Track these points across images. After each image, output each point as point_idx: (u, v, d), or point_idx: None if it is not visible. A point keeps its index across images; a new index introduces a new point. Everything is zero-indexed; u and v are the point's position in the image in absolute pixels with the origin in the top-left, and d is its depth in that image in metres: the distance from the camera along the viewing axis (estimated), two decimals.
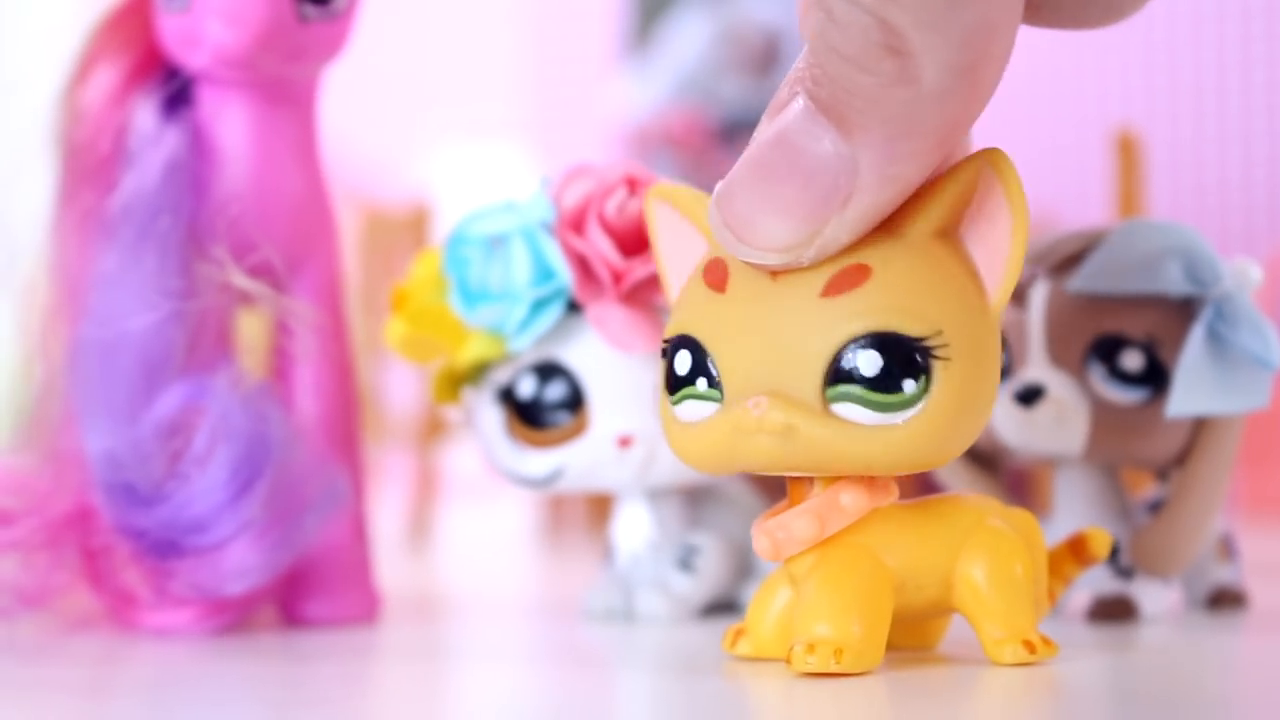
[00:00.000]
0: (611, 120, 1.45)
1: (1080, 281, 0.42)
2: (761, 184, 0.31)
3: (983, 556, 0.34)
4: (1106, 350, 0.42)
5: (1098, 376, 0.43)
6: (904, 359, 0.31)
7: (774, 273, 0.32)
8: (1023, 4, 0.30)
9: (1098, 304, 0.43)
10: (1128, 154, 0.69)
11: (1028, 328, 0.44)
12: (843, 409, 0.31)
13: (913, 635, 0.37)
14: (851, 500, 0.33)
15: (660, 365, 0.34)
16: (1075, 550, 0.38)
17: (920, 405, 0.31)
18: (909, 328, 0.31)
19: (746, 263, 0.32)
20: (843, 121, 0.30)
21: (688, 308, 0.34)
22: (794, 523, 0.33)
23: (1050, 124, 1.25)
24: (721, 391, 0.32)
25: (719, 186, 0.32)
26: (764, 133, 0.31)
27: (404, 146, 1.91)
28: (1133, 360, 0.42)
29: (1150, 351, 0.42)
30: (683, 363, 0.33)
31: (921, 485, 0.48)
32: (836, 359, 0.31)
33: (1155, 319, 0.42)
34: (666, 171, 0.48)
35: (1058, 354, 0.43)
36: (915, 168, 0.30)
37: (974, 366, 0.32)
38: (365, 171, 1.61)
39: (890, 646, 0.37)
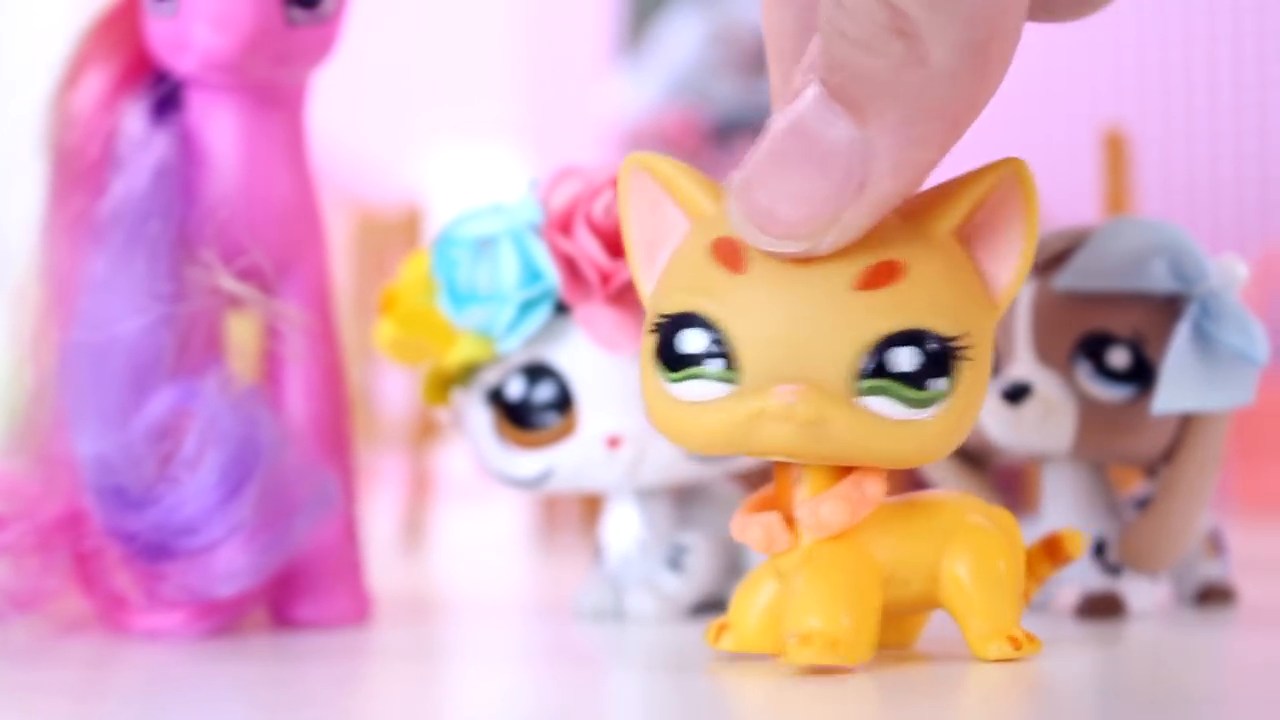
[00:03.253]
0: (605, 121, 1.45)
1: (1066, 279, 0.43)
2: (778, 173, 0.31)
3: (966, 553, 0.34)
4: (1093, 347, 0.43)
5: (1084, 374, 0.43)
6: (936, 357, 0.32)
7: (799, 259, 0.32)
8: None
9: (1084, 301, 0.43)
10: (1116, 152, 0.69)
11: (1014, 325, 0.44)
12: (873, 402, 0.32)
13: (891, 632, 0.37)
14: (875, 489, 0.33)
15: (650, 339, 0.33)
16: (1050, 550, 0.38)
17: (945, 403, 0.32)
18: (943, 327, 0.32)
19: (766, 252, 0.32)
20: (855, 106, 0.30)
21: (693, 286, 0.33)
22: (823, 509, 0.33)
23: (1040, 121, 1.25)
24: (737, 374, 0.32)
25: (736, 178, 0.31)
26: (779, 122, 0.31)
27: (397, 148, 1.91)
28: (1119, 357, 0.42)
29: (1136, 348, 0.42)
30: (694, 341, 0.32)
31: (909, 482, 0.48)
32: (871, 352, 0.32)
33: (1141, 316, 0.42)
34: None
35: (1044, 351, 0.43)
36: (930, 151, 0.30)
37: (983, 367, 0.33)
38: (357, 173, 1.61)
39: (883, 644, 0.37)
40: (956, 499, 0.35)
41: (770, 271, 0.32)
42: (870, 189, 0.30)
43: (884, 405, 0.32)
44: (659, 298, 0.34)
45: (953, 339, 0.32)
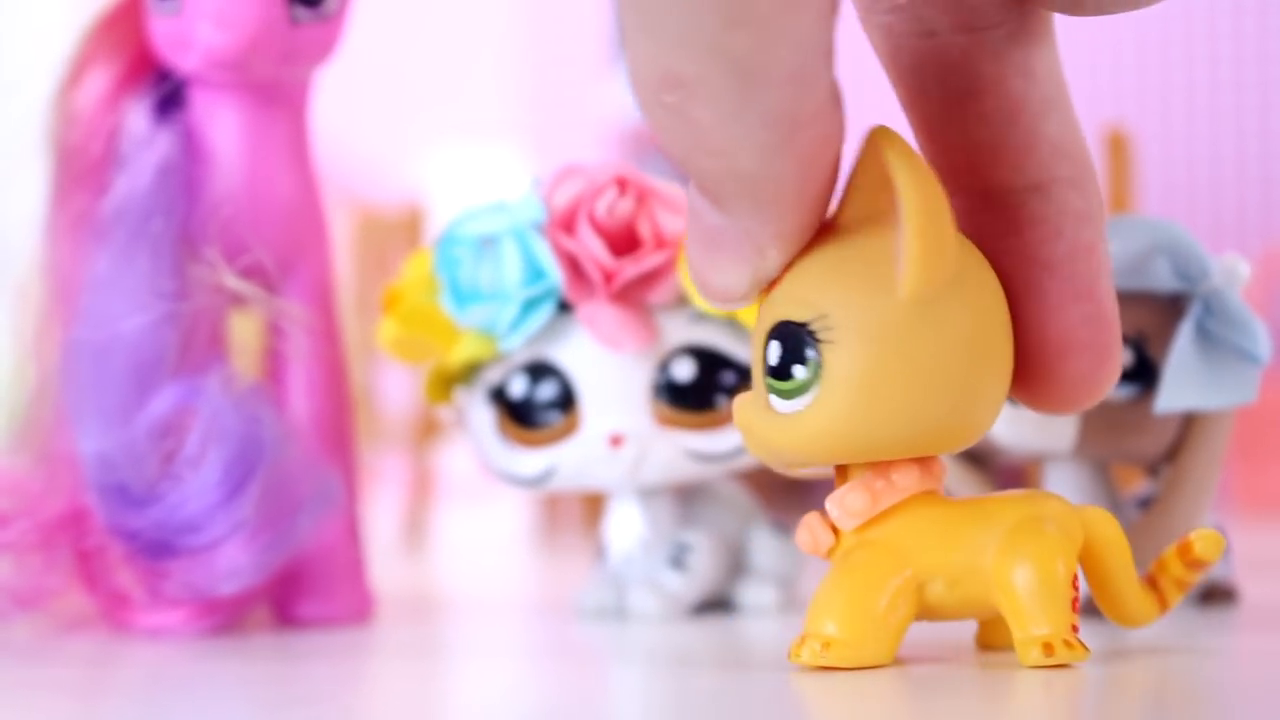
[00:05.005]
0: (606, 121, 1.45)
1: None
2: (693, 246, 0.32)
3: (1017, 556, 0.33)
4: None
5: None
6: (794, 345, 0.32)
7: None
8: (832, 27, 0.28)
9: None
10: (1118, 151, 0.69)
11: None
12: (772, 401, 0.33)
13: (988, 635, 0.36)
14: (904, 478, 0.33)
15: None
16: (1183, 554, 0.36)
17: (814, 391, 0.31)
18: (795, 314, 0.32)
19: None
20: (713, 199, 0.30)
21: None
22: (845, 497, 0.33)
23: None
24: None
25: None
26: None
27: (398, 147, 1.91)
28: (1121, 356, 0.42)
29: (1139, 348, 0.42)
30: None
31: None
32: (763, 354, 0.32)
33: (1144, 316, 0.42)
34: (661, 173, 0.48)
35: None
36: (796, 221, 0.31)
37: (877, 348, 0.31)
38: (359, 172, 1.61)
39: (987, 647, 0.36)
40: (1028, 499, 0.34)
41: None
42: (768, 252, 0.31)
43: (775, 402, 0.32)
44: None
45: (804, 323, 0.31)
